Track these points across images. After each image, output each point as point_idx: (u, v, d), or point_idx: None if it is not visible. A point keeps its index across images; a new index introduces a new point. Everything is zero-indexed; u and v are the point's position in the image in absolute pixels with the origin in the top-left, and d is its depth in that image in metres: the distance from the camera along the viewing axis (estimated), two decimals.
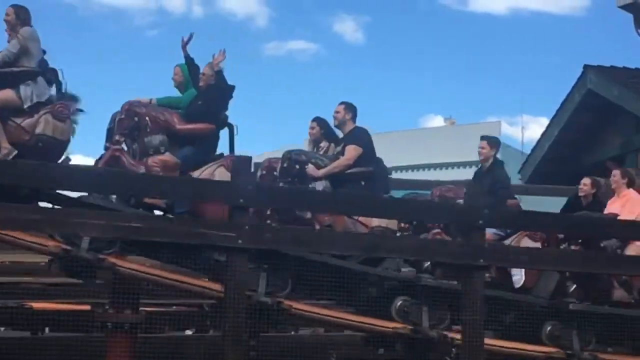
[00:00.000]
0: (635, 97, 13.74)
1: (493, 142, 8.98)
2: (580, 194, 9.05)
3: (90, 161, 9.00)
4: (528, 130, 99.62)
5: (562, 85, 57.46)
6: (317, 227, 8.03)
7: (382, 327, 7.80)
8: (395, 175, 18.00)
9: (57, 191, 7.47)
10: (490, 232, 8.14)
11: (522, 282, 8.29)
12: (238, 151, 8.53)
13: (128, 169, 7.92)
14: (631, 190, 8.98)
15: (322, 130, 9.04)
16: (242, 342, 6.88)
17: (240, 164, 7.11)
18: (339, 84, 67.69)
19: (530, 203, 11.05)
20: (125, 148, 8.22)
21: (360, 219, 8.14)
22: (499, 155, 9.04)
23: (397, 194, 9.74)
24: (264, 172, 8.44)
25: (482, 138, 9.04)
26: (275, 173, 8.40)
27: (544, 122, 44.55)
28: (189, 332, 10.06)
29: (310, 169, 8.34)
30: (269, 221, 7.80)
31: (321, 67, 73.11)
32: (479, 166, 9.18)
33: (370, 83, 71.67)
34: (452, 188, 8.97)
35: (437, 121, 55.87)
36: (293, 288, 7.79)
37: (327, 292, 7.81)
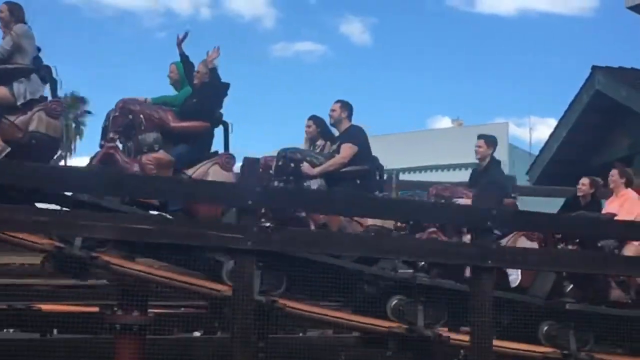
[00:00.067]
0: None
1: (490, 141, 8.95)
2: (579, 193, 8.97)
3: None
4: (536, 131, 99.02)
5: (570, 86, 57.53)
6: (312, 226, 7.98)
7: (378, 326, 7.73)
8: (402, 177, 17.99)
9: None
10: None
11: (518, 281, 8.22)
12: (240, 151, 8.57)
13: (122, 167, 7.92)
14: (629, 189, 8.88)
15: (319, 128, 9.01)
16: (250, 344, 6.82)
17: (248, 166, 7.08)
18: (346, 85, 67.88)
19: (538, 204, 10.95)
20: (120, 146, 8.22)
21: (355, 217, 8.09)
22: (496, 155, 8.98)
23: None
24: (260, 170, 8.41)
25: (479, 137, 9.01)
26: (270, 171, 8.38)
27: (552, 123, 44.18)
28: (197, 334, 10.08)
29: (305, 167, 8.31)
30: (263, 220, 7.77)
31: (328, 68, 73.31)
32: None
33: (377, 84, 71.79)
34: (448, 187, 8.94)
35: (445, 122, 55.85)
36: (288, 287, 7.73)
37: (323, 291, 7.74)
